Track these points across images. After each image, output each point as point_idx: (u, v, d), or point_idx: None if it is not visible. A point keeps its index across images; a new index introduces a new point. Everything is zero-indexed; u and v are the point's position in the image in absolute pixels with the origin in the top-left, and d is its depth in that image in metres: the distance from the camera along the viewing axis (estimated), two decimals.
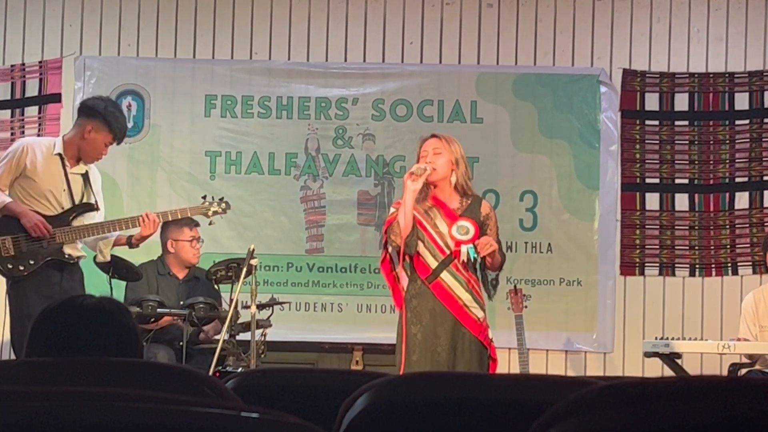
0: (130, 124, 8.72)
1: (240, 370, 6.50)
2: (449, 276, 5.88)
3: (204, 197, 6.89)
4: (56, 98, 8.75)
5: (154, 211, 6.63)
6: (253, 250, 6.78)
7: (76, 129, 6.50)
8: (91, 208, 6.46)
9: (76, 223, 6.40)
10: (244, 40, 8.79)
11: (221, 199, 6.89)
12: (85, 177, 6.50)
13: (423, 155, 5.96)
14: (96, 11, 8.78)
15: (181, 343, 7.02)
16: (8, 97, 8.80)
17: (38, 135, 8.71)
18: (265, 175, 8.74)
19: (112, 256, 6.74)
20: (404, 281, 5.97)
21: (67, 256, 6.37)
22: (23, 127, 8.76)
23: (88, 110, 6.52)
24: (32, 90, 8.79)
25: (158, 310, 6.90)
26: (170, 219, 6.73)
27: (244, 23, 8.78)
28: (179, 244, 7.58)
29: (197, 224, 7.62)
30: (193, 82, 8.77)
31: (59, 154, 6.40)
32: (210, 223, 6.85)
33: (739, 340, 7.16)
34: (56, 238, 6.28)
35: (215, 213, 6.77)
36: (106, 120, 6.43)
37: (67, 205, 6.40)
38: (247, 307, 6.87)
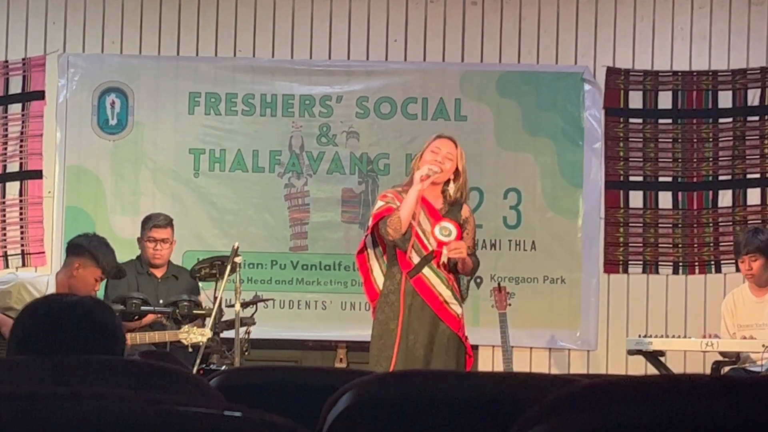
0: (113, 122, 8.74)
1: (224, 368, 6.50)
2: (430, 272, 5.90)
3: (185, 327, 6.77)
4: (40, 95, 8.72)
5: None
6: (237, 247, 6.76)
7: (65, 268, 6.49)
8: None
9: None
10: (228, 38, 8.77)
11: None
12: None
13: (435, 150, 5.95)
14: (80, 9, 8.75)
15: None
16: None
17: (21, 133, 8.68)
18: (249, 172, 8.72)
19: None
20: (380, 280, 6.00)
21: None
22: (6, 124, 8.73)
23: (74, 248, 6.50)
24: (15, 87, 8.76)
25: (142, 308, 6.87)
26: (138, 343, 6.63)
27: (228, 21, 8.77)
28: (142, 243, 7.56)
29: (166, 226, 7.54)
30: (176, 79, 8.74)
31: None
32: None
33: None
34: None
35: (193, 341, 6.61)
36: (92, 255, 6.39)
37: None
38: (231, 305, 6.85)
